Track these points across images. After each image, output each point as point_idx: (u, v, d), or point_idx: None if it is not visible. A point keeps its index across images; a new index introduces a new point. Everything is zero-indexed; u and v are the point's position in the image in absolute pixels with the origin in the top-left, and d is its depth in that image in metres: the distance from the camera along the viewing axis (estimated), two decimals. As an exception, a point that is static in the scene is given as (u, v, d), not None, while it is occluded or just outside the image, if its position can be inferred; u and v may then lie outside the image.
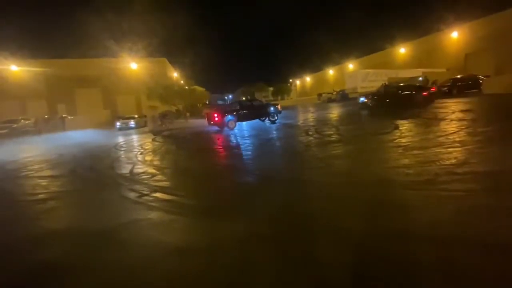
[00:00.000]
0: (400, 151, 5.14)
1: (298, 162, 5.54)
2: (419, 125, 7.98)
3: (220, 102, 37.50)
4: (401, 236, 2.30)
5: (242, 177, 4.92)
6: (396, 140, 6.09)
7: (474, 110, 9.96)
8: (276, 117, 13.97)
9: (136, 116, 22.65)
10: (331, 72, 52.26)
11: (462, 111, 9.59)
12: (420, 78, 20.37)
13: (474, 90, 17.65)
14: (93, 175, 6.00)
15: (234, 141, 9.35)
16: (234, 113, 13.28)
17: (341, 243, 2.32)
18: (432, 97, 13.09)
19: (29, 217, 3.72)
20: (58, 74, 29.26)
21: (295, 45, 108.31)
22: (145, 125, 21.47)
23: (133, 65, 30.87)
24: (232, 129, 12.64)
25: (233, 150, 7.89)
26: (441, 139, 5.66)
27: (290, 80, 67.14)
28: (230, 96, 63.91)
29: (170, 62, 36.86)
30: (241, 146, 8.07)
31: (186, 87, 30.99)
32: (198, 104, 30.24)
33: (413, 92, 12.98)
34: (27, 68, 28.44)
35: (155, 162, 6.79)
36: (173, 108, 26.79)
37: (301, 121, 13.36)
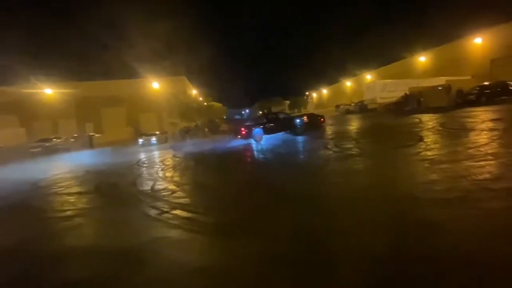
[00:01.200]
0: (426, 165, 4.87)
1: (319, 177, 5.41)
2: (446, 136, 7.59)
3: (237, 117, 38.12)
4: (431, 259, 2.13)
5: (261, 193, 4.86)
6: (422, 153, 5.80)
7: (505, 119, 9.33)
8: (302, 129, 13.76)
9: (157, 132, 23.47)
10: (348, 83, 51.80)
11: (492, 120, 9.02)
12: (440, 88, 19.57)
13: (504, 97, 16.63)
14: (116, 192, 6.21)
15: (256, 156, 9.37)
16: (261, 126, 13.40)
17: (362, 265, 2.18)
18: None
19: (57, 234, 3.87)
20: (86, 95, 31.36)
21: (310, 58, 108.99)
22: (166, 141, 22.14)
23: (154, 85, 32.42)
24: (259, 141, 12.67)
25: (254, 165, 7.89)
26: (471, 151, 5.31)
27: (307, 93, 67.16)
28: (247, 111, 64.83)
29: (189, 80, 38.34)
30: (263, 161, 8.05)
31: (205, 104, 31.96)
32: (216, 120, 30.94)
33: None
34: (59, 90, 30.79)
35: (175, 179, 6.92)
36: (192, 124, 27.58)
37: (320, 134, 13.18)
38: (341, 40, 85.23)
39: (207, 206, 4.44)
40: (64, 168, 11.61)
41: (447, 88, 19.17)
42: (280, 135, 14.01)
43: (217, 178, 6.92)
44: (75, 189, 6.88)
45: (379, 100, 26.81)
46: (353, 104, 32.34)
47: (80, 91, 30.94)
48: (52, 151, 21.14)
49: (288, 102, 66.61)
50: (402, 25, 62.16)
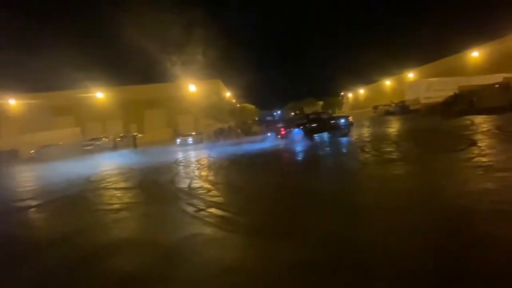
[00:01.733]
0: (480, 172, 4.39)
1: (355, 183, 5.19)
2: (504, 141, 6.76)
3: (269, 118, 38.21)
4: (495, 279, 1.91)
5: (295, 196, 4.81)
6: (475, 159, 5.24)
7: None
8: (347, 130, 13.03)
9: (193, 133, 24.58)
10: (387, 82, 48.85)
11: None
12: (496, 86, 17.43)
13: None
14: (156, 188, 6.62)
15: (290, 157, 9.31)
16: (301, 126, 13.12)
17: (407, 281, 2.03)
18: None
19: (106, 226, 4.26)
20: (131, 98, 34.03)
21: (346, 57, 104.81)
22: (201, 142, 23.08)
23: (191, 88, 33.99)
24: (298, 142, 12.43)
25: (288, 166, 7.84)
26: (536, 158, 4.67)
27: (342, 93, 64.76)
28: (279, 112, 64.51)
29: (224, 82, 39.47)
30: (297, 162, 7.97)
31: (238, 105, 32.64)
32: (248, 121, 31.36)
33: None
34: (108, 94, 33.89)
35: (210, 178, 7.17)
36: (226, 126, 28.34)
37: (356, 136, 12.62)
38: (380, 36, 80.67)
39: (241, 206, 4.52)
40: (111, 165, 12.73)
41: (505, 85, 17.03)
42: (321, 136, 13.56)
43: (251, 178, 7.00)
44: (121, 185, 7.50)
45: (422, 101, 24.79)
46: (393, 105, 30.40)
47: (125, 95, 33.81)
48: (101, 149, 23.34)
49: (321, 103, 65.03)
50: (450, 18, 56.84)
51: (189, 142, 21.72)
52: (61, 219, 5.04)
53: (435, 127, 12.22)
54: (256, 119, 35.31)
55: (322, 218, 3.50)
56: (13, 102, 32.50)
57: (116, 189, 6.94)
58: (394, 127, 14.90)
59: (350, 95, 63.58)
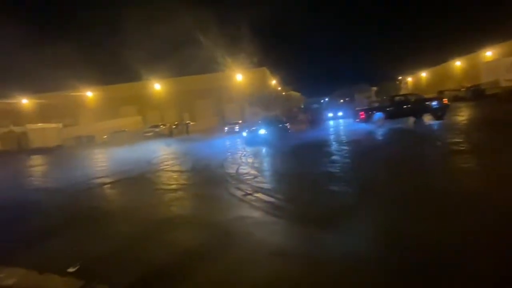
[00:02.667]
0: None
1: (430, 175, 4.78)
2: None
3: (315, 106, 36.95)
4: None
5: (339, 185, 4.66)
6: None
7: None
8: (440, 113, 11.66)
9: (240, 121, 25.29)
10: (457, 63, 42.43)
11: None
12: None
13: None
14: (208, 172, 7.09)
15: (339, 146, 8.98)
16: (384, 110, 12.53)
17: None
18: None
19: (165, 203, 4.77)
20: (184, 89, 36.39)
21: (405, 36, 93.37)
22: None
23: (238, 77, 34.67)
24: (379, 127, 11.80)
25: (336, 155, 7.56)
26: None
27: (399, 78, 58.62)
28: (326, 99, 61.77)
29: (270, 70, 39.23)
30: (350, 150, 7.65)
31: (283, 93, 32.28)
32: (294, 109, 30.81)
33: None
34: (164, 85, 36.83)
35: (256, 165, 7.37)
36: (272, 114, 28.34)
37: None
38: (449, 7, 69.51)
39: (288, 193, 4.58)
40: (168, 150, 14.00)
41: None
42: (408, 120, 12.41)
43: (297, 166, 6.98)
44: (177, 168, 8.24)
45: (503, 84, 20.98)
46: (463, 89, 26.44)
47: (179, 86, 36.34)
48: (159, 135, 25.73)
49: (375, 88, 60.14)
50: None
51: (235, 130, 22.45)
52: (129, 195, 5.81)
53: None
54: (302, 107, 34.53)
55: (372, 210, 3.35)
56: (90, 94, 37.74)
57: (173, 171, 7.66)
58: (463, 115, 13.02)
59: (409, 79, 57.20)
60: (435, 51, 45.19)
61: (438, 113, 11.57)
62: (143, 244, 3.11)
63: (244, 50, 28.25)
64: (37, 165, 13.84)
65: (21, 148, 23.19)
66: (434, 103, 12.04)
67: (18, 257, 2.93)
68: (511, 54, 26.34)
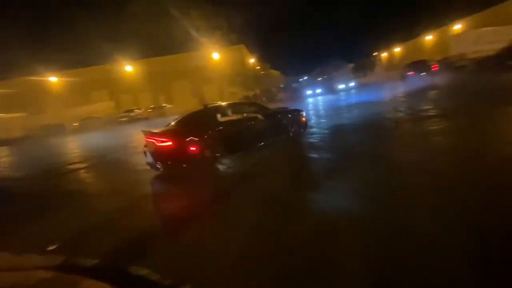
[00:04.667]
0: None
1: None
2: None
3: (294, 85, 36.91)
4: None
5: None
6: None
7: None
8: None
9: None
10: (429, 37, 43.65)
11: None
12: None
13: None
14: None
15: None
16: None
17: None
18: None
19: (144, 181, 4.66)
20: (158, 70, 34.63)
21: (378, 13, 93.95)
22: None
23: (215, 55, 33.44)
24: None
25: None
26: None
27: (374, 54, 59.59)
28: (305, 78, 61.96)
29: (247, 48, 38.15)
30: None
31: (262, 72, 31.71)
32: (272, 89, 30.51)
33: None
34: (137, 67, 34.81)
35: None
36: (251, 94, 27.91)
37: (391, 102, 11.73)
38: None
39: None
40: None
41: None
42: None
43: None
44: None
45: (470, 56, 21.85)
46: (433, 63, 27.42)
47: (152, 67, 34.42)
48: (134, 120, 24.67)
49: (351, 65, 60.90)
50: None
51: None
52: (106, 177, 5.60)
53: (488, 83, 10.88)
54: (281, 86, 34.32)
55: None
56: (54, 79, 34.87)
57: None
58: (436, 87, 13.60)
59: (384, 54, 58.30)
60: (408, 26, 45.87)
61: None
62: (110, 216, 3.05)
63: (220, 26, 27.00)
64: (0, 157, 12.88)
65: (-19, 141, 21.35)
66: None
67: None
68: (479, 26, 27.39)
